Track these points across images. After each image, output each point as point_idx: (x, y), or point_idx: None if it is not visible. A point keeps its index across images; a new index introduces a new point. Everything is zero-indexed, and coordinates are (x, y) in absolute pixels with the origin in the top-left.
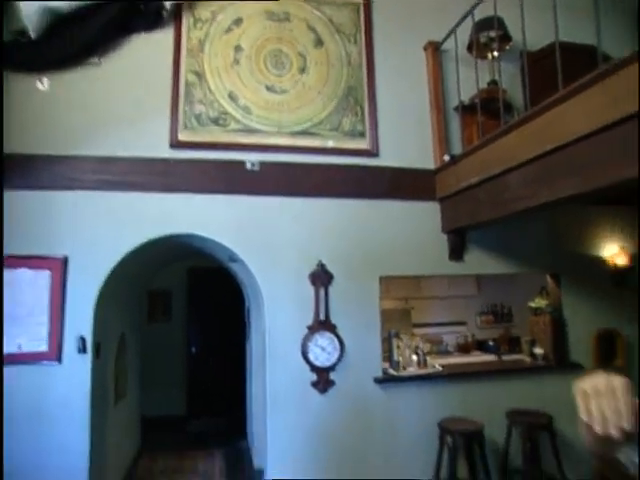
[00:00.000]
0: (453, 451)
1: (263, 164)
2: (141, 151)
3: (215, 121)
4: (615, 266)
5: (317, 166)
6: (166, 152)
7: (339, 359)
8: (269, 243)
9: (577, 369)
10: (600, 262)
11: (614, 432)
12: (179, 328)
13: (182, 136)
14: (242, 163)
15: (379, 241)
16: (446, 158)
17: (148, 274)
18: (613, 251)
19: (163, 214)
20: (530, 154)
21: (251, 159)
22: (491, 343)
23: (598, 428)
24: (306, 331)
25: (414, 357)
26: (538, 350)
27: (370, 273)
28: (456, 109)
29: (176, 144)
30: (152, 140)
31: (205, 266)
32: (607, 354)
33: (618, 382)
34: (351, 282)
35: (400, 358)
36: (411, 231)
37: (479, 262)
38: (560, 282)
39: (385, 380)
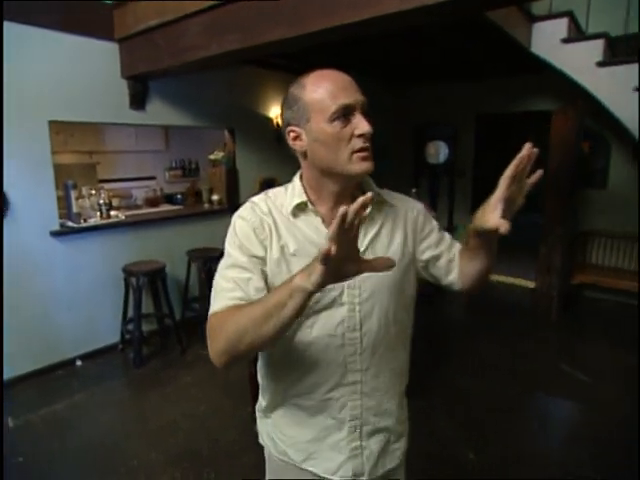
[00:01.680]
0: (138, 290)
1: None
2: None
3: None
4: (278, 125)
5: None
6: None
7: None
8: None
9: None
10: (267, 120)
11: None
12: None
13: None
14: None
15: (47, 79)
16: None
17: None
18: (277, 112)
19: None
20: (205, 4)
21: None
22: (179, 196)
23: None
24: None
25: (97, 211)
26: (215, 197)
27: (36, 116)
28: None
29: None
30: None
31: None
32: None
33: None
34: (12, 125)
35: (80, 210)
36: (87, 72)
37: (162, 113)
38: (235, 136)
39: (63, 233)
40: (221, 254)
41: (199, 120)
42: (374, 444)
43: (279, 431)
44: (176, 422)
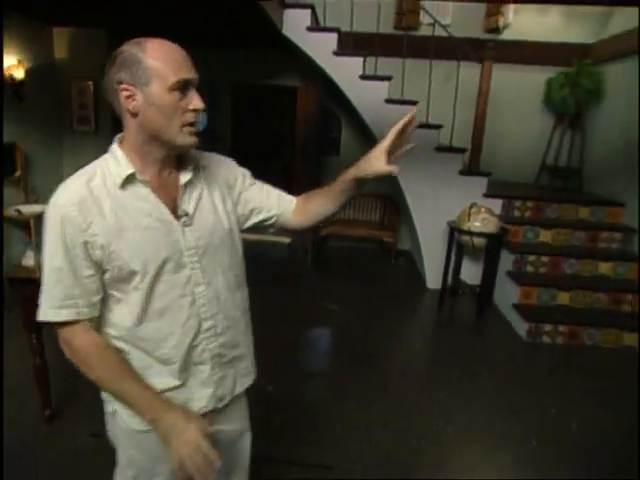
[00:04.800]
0: None
1: None
2: None
3: None
4: (12, 78)
5: None
6: None
7: None
8: None
9: None
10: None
11: None
12: None
13: None
14: None
15: None
16: None
17: None
18: (12, 62)
19: None
20: None
21: None
22: None
23: None
24: None
25: None
26: None
27: None
28: None
29: None
30: None
31: None
32: (9, 166)
33: None
34: None
35: None
36: None
37: None
38: None
39: None
40: None
41: None
42: (231, 371)
43: None
44: None
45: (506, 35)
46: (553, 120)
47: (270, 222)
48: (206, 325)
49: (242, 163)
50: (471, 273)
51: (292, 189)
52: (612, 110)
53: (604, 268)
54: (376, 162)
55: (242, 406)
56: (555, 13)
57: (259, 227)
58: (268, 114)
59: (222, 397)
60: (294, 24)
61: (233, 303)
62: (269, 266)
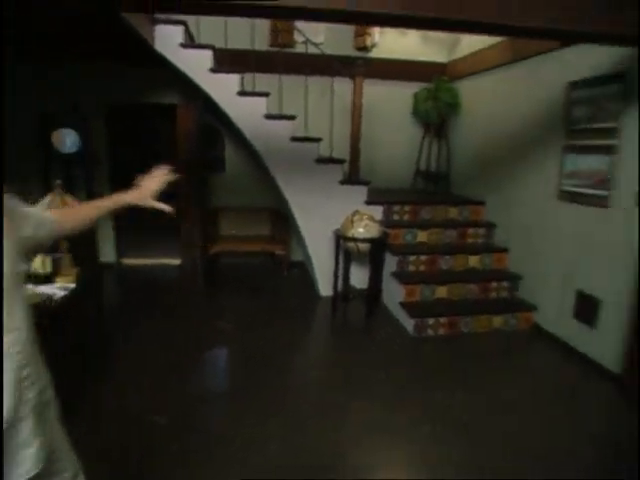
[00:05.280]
0: None
1: None
2: None
3: None
4: None
5: None
6: None
7: None
8: None
9: None
10: None
11: None
12: None
13: None
14: None
15: None
16: None
17: None
18: None
19: None
20: None
21: None
22: None
23: None
24: None
25: None
26: None
27: None
28: None
29: None
30: None
31: None
32: None
33: None
34: None
35: None
36: None
37: None
38: None
39: None
40: None
41: None
42: (51, 414)
43: None
44: None
45: (374, 53)
46: (422, 130)
47: (45, 242)
48: (25, 373)
49: (122, 185)
50: (360, 277)
51: (180, 208)
52: (467, 121)
53: (473, 261)
54: (149, 200)
55: (68, 450)
56: (413, 36)
57: (36, 249)
58: (147, 133)
59: (48, 454)
60: (167, 41)
61: (34, 345)
62: (159, 290)
